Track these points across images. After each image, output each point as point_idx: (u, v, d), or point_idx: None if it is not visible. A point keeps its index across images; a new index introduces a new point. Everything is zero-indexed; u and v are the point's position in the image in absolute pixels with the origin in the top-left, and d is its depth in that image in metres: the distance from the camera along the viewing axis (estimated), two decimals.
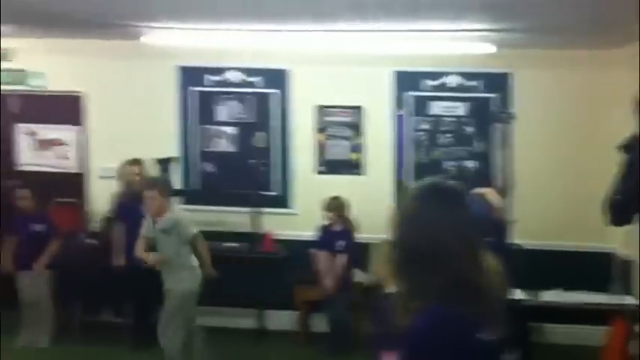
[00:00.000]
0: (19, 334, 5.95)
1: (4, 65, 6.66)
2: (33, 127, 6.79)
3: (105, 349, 5.89)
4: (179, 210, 5.30)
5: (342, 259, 5.91)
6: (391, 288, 3.11)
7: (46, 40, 6.44)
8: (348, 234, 5.96)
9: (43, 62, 6.63)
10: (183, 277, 5.06)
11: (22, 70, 6.68)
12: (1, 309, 6.32)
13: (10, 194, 6.47)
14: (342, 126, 6.39)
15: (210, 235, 6.33)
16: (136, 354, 5.79)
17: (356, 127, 6.39)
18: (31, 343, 5.91)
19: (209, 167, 6.59)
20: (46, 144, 6.80)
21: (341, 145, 6.41)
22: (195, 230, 5.13)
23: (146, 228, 5.14)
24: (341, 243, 5.94)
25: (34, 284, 5.93)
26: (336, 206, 5.97)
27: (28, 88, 6.71)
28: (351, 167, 6.40)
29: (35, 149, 6.80)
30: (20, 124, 6.80)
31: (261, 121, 6.50)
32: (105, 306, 6.37)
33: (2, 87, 6.69)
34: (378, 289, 3.22)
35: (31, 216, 5.97)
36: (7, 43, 6.54)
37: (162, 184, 5.25)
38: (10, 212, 6.10)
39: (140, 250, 5.17)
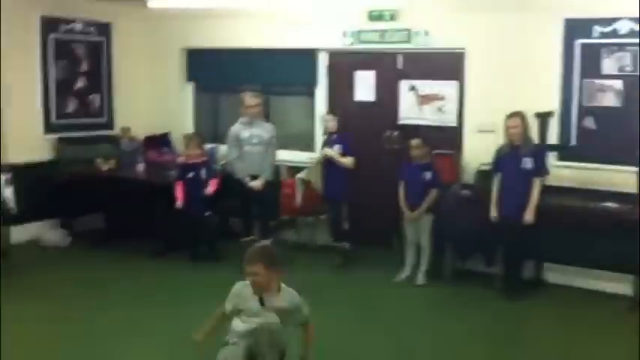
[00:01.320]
0: (401, 270, 6.53)
1: (392, 25, 7.20)
2: (415, 82, 7.24)
3: (474, 294, 6.12)
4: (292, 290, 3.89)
5: None
6: None
7: None
8: None
9: (428, 21, 7.00)
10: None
11: (408, 30, 7.14)
12: (387, 246, 7.11)
13: (395, 143, 7.15)
14: None
15: (586, 194, 6.15)
16: (505, 303, 5.92)
17: None
18: (410, 279, 6.43)
19: (589, 122, 6.32)
20: (426, 99, 7.20)
21: None
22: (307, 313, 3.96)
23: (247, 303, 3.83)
24: None
25: (417, 226, 6.42)
26: None
27: (413, 47, 7.15)
28: None
29: (416, 104, 7.25)
30: (404, 81, 7.31)
31: None
32: (476, 255, 6.56)
33: (390, 46, 7.27)
34: None
35: (420, 164, 6.42)
36: (396, 3, 7.07)
37: (266, 256, 3.76)
38: (401, 159, 6.68)
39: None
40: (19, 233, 7.40)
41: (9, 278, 6.28)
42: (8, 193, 6.97)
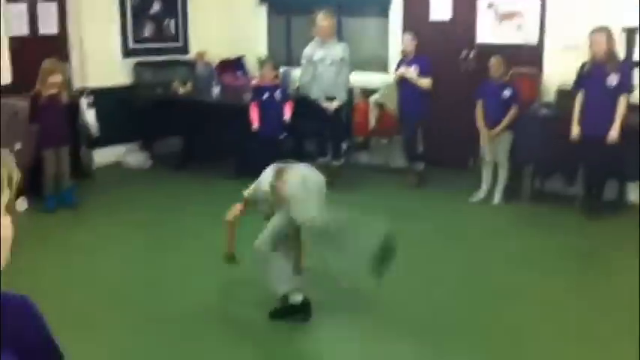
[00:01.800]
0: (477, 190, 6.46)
1: None
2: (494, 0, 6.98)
3: (553, 215, 6.01)
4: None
5: None
6: None
7: None
8: None
9: None
10: None
11: None
12: (463, 168, 7.06)
13: (472, 64, 6.98)
14: None
15: None
16: (585, 223, 5.79)
17: None
18: (487, 199, 6.36)
19: None
20: (505, 16, 6.94)
21: None
22: None
23: None
24: None
25: (494, 145, 6.31)
26: None
27: None
28: None
29: (495, 21, 7.01)
30: None
31: None
32: (556, 175, 6.41)
33: None
34: None
35: (499, 83, 6.26)
36: None
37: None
38: (478, 80, 6.52)
39: None
40: (102, 156, 7.66)
41: (93, 197, 6.57)
42: (90, 116, 7.18)
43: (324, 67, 6.88)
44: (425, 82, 6.69)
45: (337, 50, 6.90)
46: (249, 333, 4.09)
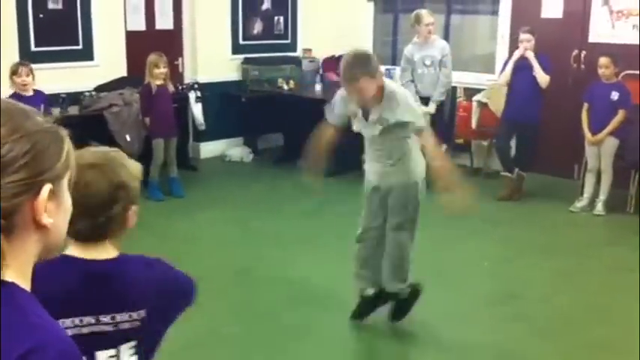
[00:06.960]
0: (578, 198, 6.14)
1: None
2: None
3: None
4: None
5: None
6: None
7: None
8: None
9: None
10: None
11: None
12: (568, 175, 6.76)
13: (583, 64, 6.66)
14: None
15: None
16: None
17: None
18: (588, 209, 6.04)
19: None
20: (621, 14, 6.56)
21: None
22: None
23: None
24: None
25: (598, 151, 6.00)
26: None
27: None
28: None
29: (609, 20, 6.63)
30: None
31: None
32: None
33: None
34: None
35: (608, 84, 5.95)
36: None
37: (368, 66, 3.54)
38: (589, 81, 6.20)
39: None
40: (207, 149, 7.93)
41: (197, 188, 6.81)
42: (197, 110, 7.46)
43: (423, 69, 6.77)
44: (545, 79, 6.28)
45: (437, 50, 6.77)
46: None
